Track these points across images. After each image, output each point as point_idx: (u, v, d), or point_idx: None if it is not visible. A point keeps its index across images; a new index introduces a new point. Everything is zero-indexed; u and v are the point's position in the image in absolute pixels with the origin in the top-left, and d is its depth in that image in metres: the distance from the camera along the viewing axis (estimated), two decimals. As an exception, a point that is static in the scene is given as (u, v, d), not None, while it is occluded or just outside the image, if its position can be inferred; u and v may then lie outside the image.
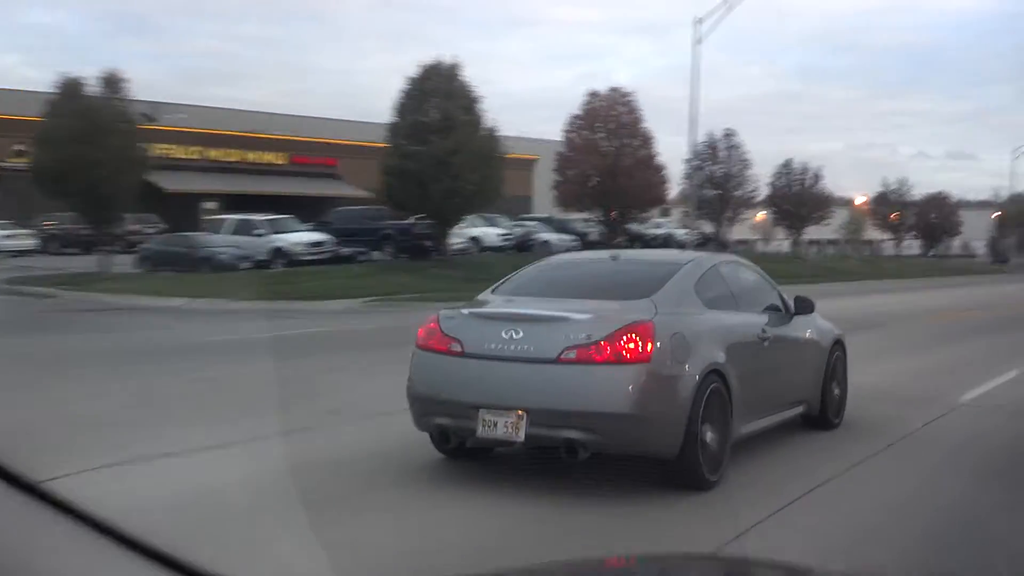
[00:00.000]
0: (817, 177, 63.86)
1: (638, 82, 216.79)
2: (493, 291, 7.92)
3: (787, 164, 64.16)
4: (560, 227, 49.17)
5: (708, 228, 55.99)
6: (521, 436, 6.55)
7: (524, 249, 45.15)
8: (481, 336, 6.90)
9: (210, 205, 50.04)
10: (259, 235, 33.70)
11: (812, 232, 73.99)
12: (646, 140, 44.61)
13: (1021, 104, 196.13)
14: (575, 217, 48.11)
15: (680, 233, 61.99)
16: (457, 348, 6.93)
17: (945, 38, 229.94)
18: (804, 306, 8.91)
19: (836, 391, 9.33)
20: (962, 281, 50.28)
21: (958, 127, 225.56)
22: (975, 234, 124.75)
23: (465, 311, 7.32)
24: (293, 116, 56.91)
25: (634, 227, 54.73)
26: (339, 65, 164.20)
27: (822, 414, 9.04)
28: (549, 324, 6.78)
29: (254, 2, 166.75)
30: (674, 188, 49.43)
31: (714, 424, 6.85)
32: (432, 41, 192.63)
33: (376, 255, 36.57)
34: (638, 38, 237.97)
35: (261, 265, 32.46)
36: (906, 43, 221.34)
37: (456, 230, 37.73)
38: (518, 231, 45.78)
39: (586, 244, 47.25)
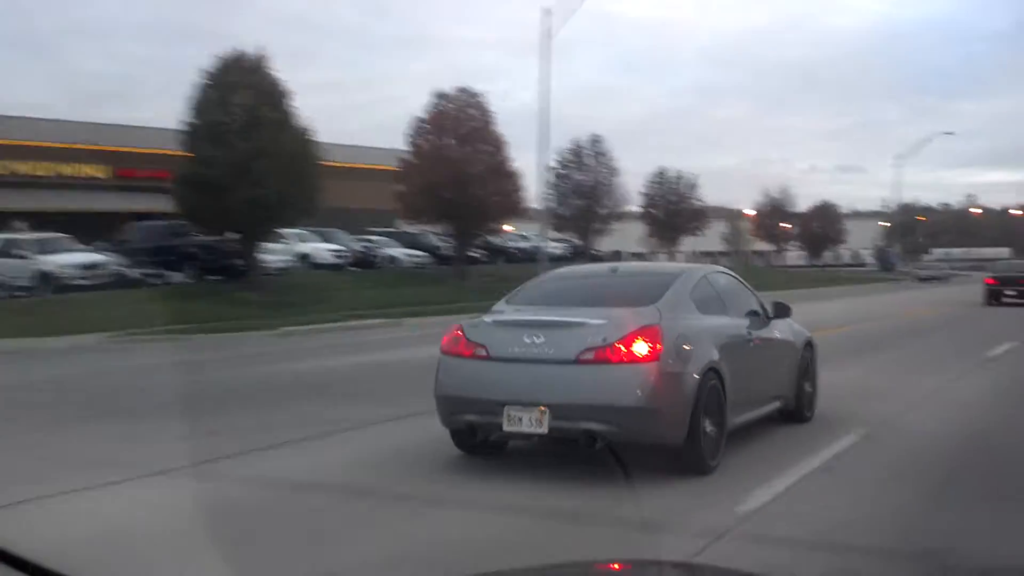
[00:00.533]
0: (692, 186, 61.18)
1: (532, 102, 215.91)
2: (507, 301, 8.60)
3: (661, 173, 61.27)
4: (411, 242, 44.83)
5: (576, 240, 52.47)
6: (545, 429, 7.25)
7: (365, 266, 40.67)
8: (505, 341, 7.66)
9: (19, 225, 44.18)
10: (22, 257, 28.30)
11: (698, 244, 71.70)
12: (499, 146, 40.52)
13: (905, 118, 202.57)
14: (429, 230, 43.65)
15: (549, 246, 58.51)
16: (482, 352, 7.68)
17: (828, 55, 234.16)
18: (781, 311, 9.71)
19: (808, 388, 10.10)
20: (846, 291, 48.14)
21: (846, 141, 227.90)
22: (863, 243, 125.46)
23: (488, 319, 8.13)
24: (117, 126, 51.25)
25: (497, 240, 50.93)
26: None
27: (797, 409, 9.80)
28: (567, 329, 7.54)
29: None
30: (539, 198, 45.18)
31: (712, 416, 7.64)
32: (322, 60, 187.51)
33: (179, 277, 31.48)
34: (529, 59, 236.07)
35: (24, 292, 27.29)
36: (792, 59, 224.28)
37: (274, 246, 33.09)
38: (356, 247, 41.06)
39: (440, 260, 43.13)
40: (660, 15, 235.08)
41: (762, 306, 9.53)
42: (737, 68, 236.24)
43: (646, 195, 61.05)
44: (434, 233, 42.78)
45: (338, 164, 51.35)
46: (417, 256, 43.15)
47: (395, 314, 27.28)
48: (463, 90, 40.39)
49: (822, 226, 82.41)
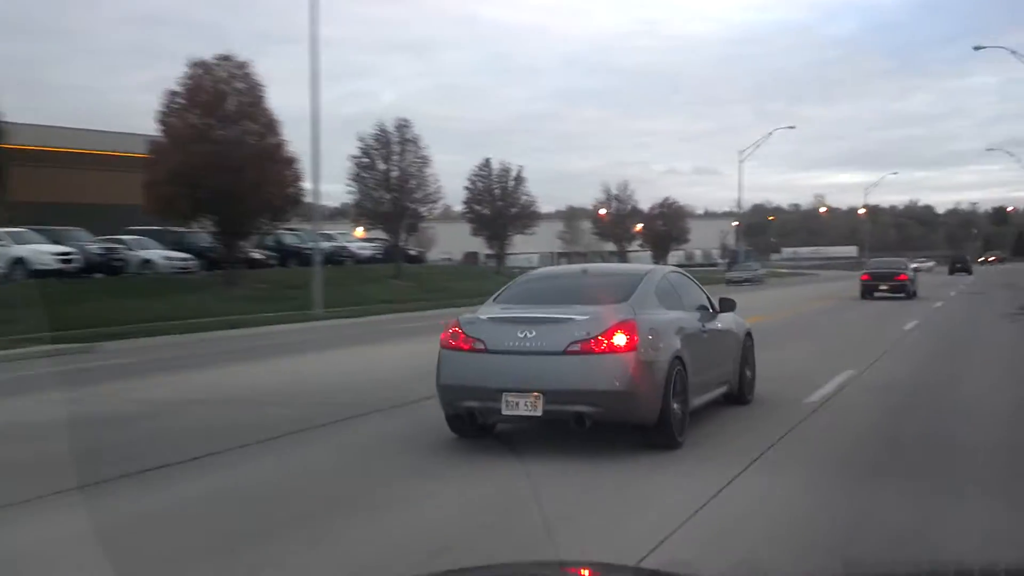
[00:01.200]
0: (519, 179, 55.46)
1: (405, 102, 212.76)
2: (494, 300, 9.51)
3: (486, 164, 55.38)
4: (176, 242, 37.71)
5: (388, 237, 46.22)
6: (540, 412, 8.11)
7: (109, 272, 33.40)
8: (500, 335, 8.42)
9: None
10: None
11: (531, 243, 66.59)
12: (271, 126, 33.84)
13: (757, 122, 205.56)
14: (199, 229, 36.37)
15: (357, 245, 51.97)
16: (480, 346, 8.46)
17: (686, 60, 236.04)
18: (727, 305, 10.89)
19: (748, 373, 11.21)
20: None
21: (703, 144, 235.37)
22: (716, 243, 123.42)
23: (483, 317, 8.82)
24: None
25: (294, 240, 44.24)
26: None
27: (740, 392, 10.90)
28: (556, 324, 8.36)
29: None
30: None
31: (678, 398, 8.58)
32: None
33: None
34: (401, 56, 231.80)
35: None
36: (650, 64, 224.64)
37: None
38: (93, 248, 33.61)
39: (211, 263, 36.16)
40: (526, 19, 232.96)
41: (709, 301, 10.67)
42: (599, 72, 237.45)
43: (469, 190, 55.11)
44: (208, 232, 35.52)
45: (73, 151, 43.72)
46: (180, 259, 36.09)
47: (95, 337, 20.46)
48: (226, 58, 33.50)
49: (666, 225, 77.74)
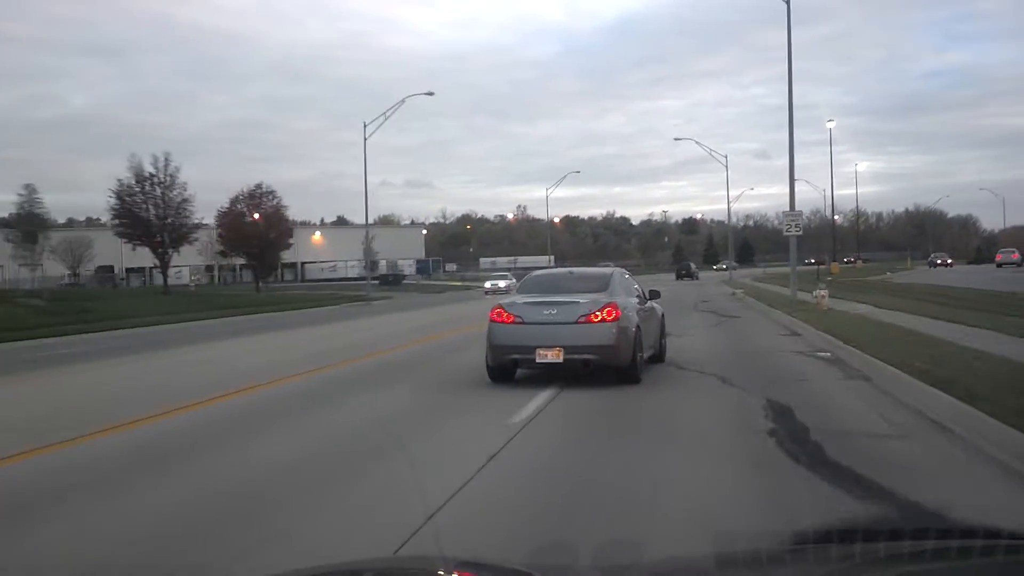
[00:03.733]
0: (173, 179, 53.60)
1: (100, 108, 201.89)
2: (518, 291, 14.40)
3: (134, 157, 52.70)
4: None
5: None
6: (561, 360, 12.43)
7: None
8: (532, 313, 12.88)
9: None
10: None
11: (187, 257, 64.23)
12: None
13: (465, 137, 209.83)
14: None
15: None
16: (520, 320, 12.87)
17: (394, 74, 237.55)
18: (654, 295, 15.89)
19: (663, 342, 15.96)
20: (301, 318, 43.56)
21: (414, 157, 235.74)
22: (403, 252, 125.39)
23: (519, 301, 13.22)
24: None
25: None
26: None
27: (660, 354, 15.41)
28: (568, 305, 12.80)
29: None
30: None
31: (638, 351, 12.99)
32: None
33: None
34: (92, 60, 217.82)
35: None
36: (359, 76, 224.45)
37: None
38: None
39: None
40: (226, 24, 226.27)
41: (642, 291, 15.34)
42: (309, 82, 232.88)
43: (120, 197, 53.00)
44: None
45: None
46: None
47: None
48: None
49: (278, 235, 67.36)
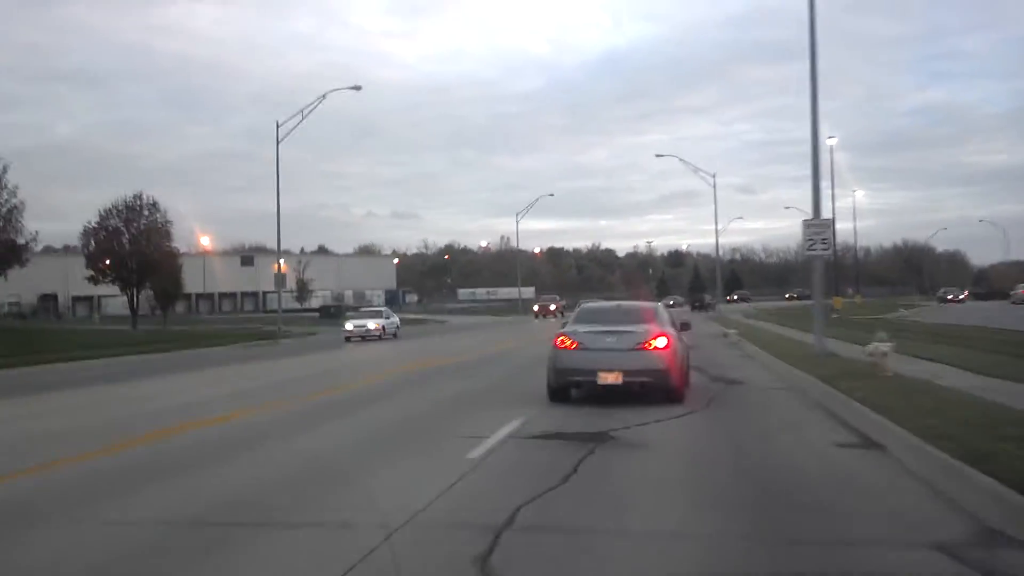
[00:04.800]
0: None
1: (83, 136, 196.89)
2: (575, 321, 15.44)
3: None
4: None
5: None
6: (620, 382, 13.64)
7: None
8: (593, 340, 14.13)
9: None
10: None
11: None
12: None
13: (450, 170, 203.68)
14: None
15: None
16: (582, 346, 14.09)
17: (379, 106, 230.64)
18: (685, 326, 17.42)
19: (688, 367, 16.19)
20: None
21: (399, 189, 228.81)
22: (370, 283, 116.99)
23: (581, 330, 14.52)
24: None
25: None
26: None
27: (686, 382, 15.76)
28: (625, 334, 14.13)
29: None
30: None
31: (685, 376, 14.76)
32: None
33: None
34: (70, 88, 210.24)
35: None
36: (344, 108, 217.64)
37: None
38: None
39: None
40: (206, 54, 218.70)
41: (675, 322, 16.11)
42: (289, 113, 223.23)
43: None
44: None
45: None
46: None
47: None
48: None
49: (161, 258, 54.34)
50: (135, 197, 47.01)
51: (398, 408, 14.23)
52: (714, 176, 62.36)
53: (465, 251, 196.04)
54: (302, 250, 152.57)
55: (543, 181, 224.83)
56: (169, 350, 35.57)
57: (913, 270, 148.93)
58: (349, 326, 43.16)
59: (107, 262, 47.52)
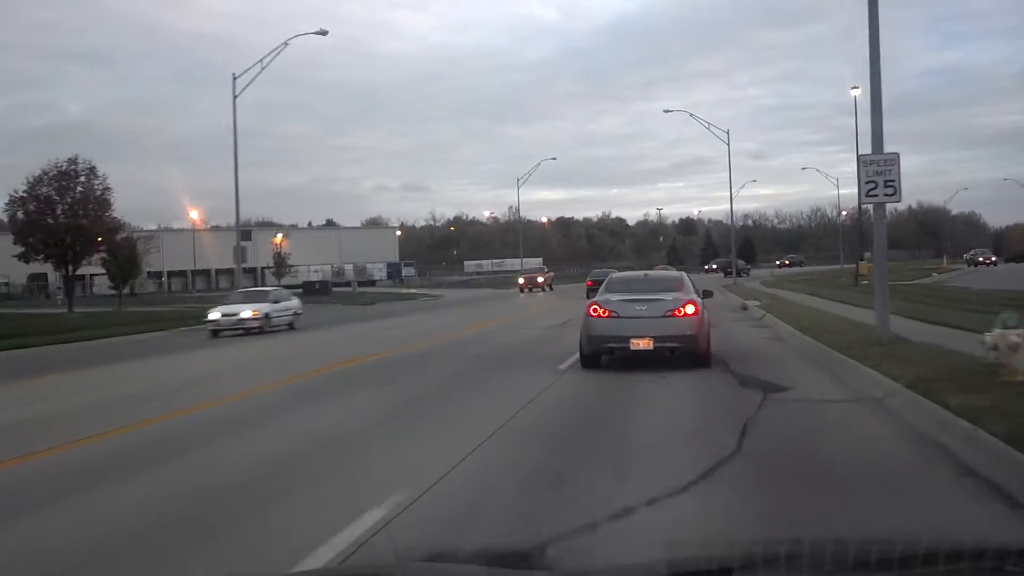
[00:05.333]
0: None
1: (93, 114, 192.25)
2: (606, 290, 15.96)
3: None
4: None
5: None
6: (652, 348, 14.28)
7: None
8: (625, 308, 14.74)
9: None
10: None
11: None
12: None
13: (461, 140, 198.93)
14: None
15: None
16: (615, 315, 14.71)
17: (386, 77, 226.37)
18: (707, 294, 16.90)
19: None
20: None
21: (408, 161, 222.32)
22: (375, 256, 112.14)
23: (613, 299, 15.14)
24: None
25: None
26: None
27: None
28: (655, 302, 14.79)
29: None
30: None
31: (710, 340, 15.02)
32: None
33: None
34: (82, 66, 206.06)
35: None
36: (351, 80, 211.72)
37: None
38: None
39: None
40: (215, 29, 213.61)
41: (697, 289, 16.26)
42: (299, 87, 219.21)
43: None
44: None
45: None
46: None
47: None
48: None
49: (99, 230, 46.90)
50: (69, 161, 42.04)
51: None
52: (728, 133, 56.85)
53: (473, 223, 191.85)
54: (309, 224, 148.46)
55: (554, 151, 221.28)
56: (68, 341, 29.89)
57: (929, 233, 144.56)
58: (216, 315, 30.68)
59: (38, 236, 42.66)
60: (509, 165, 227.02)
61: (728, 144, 57.36)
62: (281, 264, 78.05)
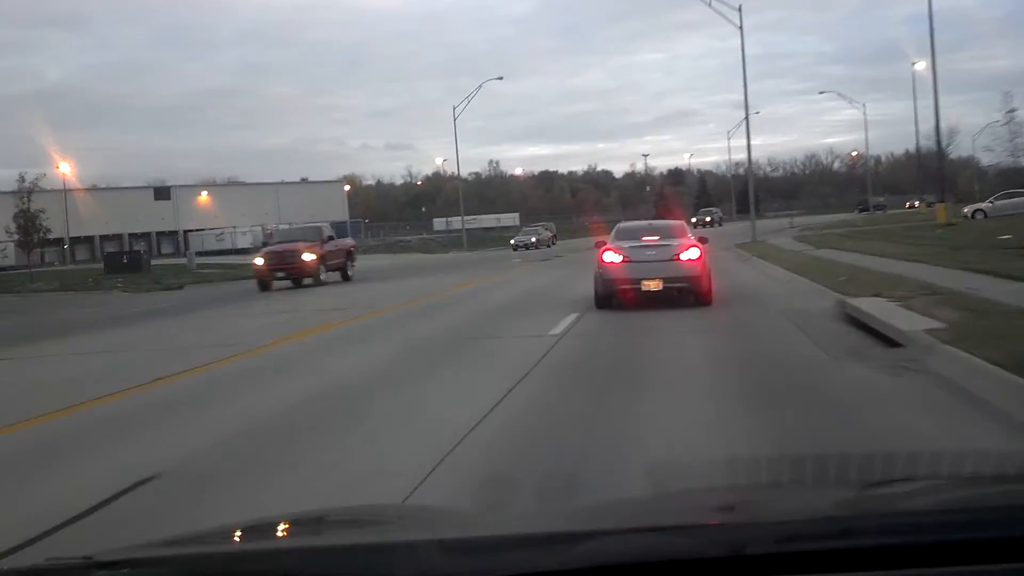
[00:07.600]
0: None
1: (75, 80, 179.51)
2: (615, 239, 16.65)
3: None
4: None
5: None
6: (661, 288, 15.34)
7: None
8: (636, 253, 15.81)
9: None
10: None
11: None
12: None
13: (446, 98, 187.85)
14: None
15: None
16: (628, 258, 15.71)
17: (369, 35, 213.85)
18: (703, 240, 16.71)
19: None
20: None
21: (395, 119, 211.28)
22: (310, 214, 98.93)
23: (625, 245, 16.04)
24: None
25: None
26: None
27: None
28: (663, 247, 15.86)
29: None
30: None
31: (711, 279, 16.04)
32: None
33: None
34: (60, 31, 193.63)
35: None
36: (333, 39, 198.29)
37: None
38: None
39: None
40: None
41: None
42: (281, 47, 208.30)
43: None
44: None
45: None
46: None
47: None
48: None
49: None
50: None
51: None
52: (739, 9, 42.90)
53: (451, 179, 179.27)
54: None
55: (538, 105, 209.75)
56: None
57: (930, 177, 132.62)
58: None
59: None
60: (493, 122, 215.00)
61: (740, 26, 43.13)
62: (31, 230, 44.27)
